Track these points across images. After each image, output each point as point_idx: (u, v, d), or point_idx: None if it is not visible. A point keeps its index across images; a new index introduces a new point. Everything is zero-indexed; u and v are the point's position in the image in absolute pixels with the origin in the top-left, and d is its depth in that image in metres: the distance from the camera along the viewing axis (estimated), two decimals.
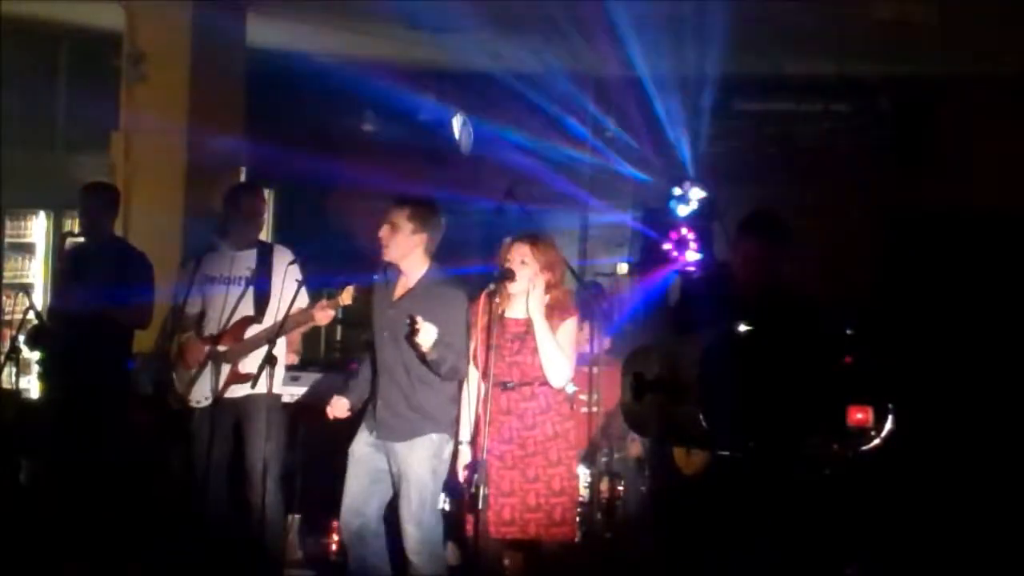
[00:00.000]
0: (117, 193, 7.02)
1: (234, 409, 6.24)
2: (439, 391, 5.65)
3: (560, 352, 5.48)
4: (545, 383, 5.50)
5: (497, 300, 5.44)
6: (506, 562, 5.77)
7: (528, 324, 5.51)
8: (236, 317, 6.21)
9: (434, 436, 5.64)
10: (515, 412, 5.52)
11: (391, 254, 5.67)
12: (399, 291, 5.74)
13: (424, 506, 5.61)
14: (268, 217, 8.86)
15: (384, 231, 5.64)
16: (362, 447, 5.74)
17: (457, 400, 5.67)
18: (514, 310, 5.58)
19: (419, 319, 5.35)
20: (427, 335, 5.35)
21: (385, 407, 5.68)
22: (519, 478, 5.46)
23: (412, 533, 5.60)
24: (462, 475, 5.55)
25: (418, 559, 5.61)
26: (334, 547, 6.70)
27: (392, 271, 5.76)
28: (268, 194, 8.73)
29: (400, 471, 5.64)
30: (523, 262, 5.50)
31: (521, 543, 5.51)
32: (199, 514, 6.17)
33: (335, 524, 6.27)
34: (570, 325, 5.56)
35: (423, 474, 5.61)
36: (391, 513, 5.74)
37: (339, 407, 5.83)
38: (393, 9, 8.53)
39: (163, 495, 6.82)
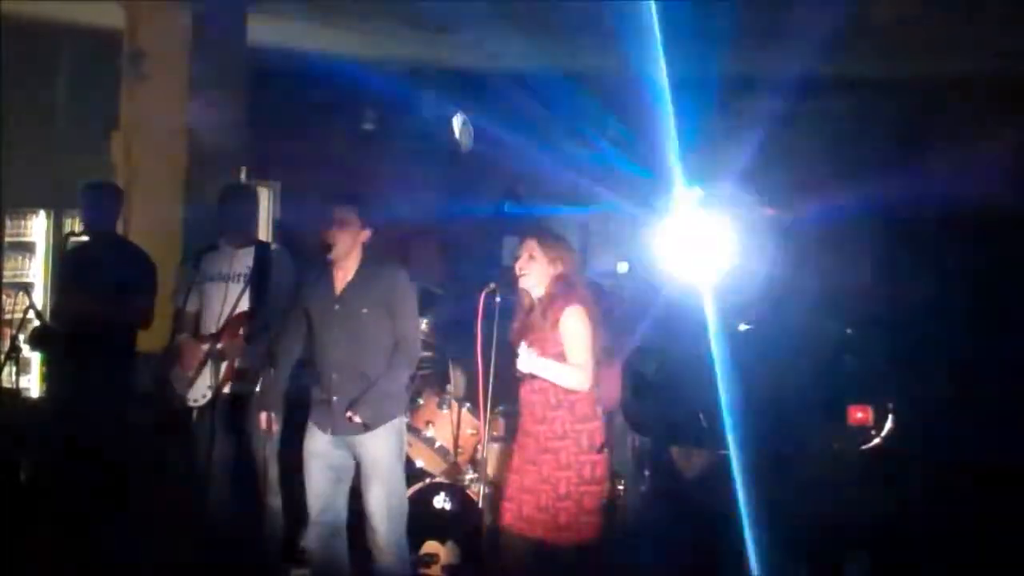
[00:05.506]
0: (119, 191, 7.03)
1: (234, 406, 6.23)
2: (396, 374, 5.66)
3: (558, 366, 5.42)
4: None
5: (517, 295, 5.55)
6: (521, 558, 5.75)
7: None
8: (234, 314, 6.17)
9: (395, 420, 5.66)
10: (527, 404, 5.54)
11: (339, 252, 5.62)
12: (339, 285, 5.69)
13: (394, 494, 5.63)
14: (266, 216, 8.91)
15: (334, 231, 5.59)
16: (319, 444, 5.68)
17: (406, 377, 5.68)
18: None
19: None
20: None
21: (342, 404, 5.61)
22: (536, 476, 5.46)
23: (381, 525, 5.57)
24: None
25: (387, 551, 5.59)
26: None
27: (325, 270, 5.70)
28: (268, 193, 8.75)
29: (367, 462, 5.62)
30: (531, 257, 5.53)
31: (537, 541, 5.50)
32: (200, 513, 6.15)
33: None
34: (575, 314, 5.48)
35: (392, 460, 5.63)
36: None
37: (266, 421, 5.83)
38: (393, 9, 8.54)
39: (163, 494, 6.81)
